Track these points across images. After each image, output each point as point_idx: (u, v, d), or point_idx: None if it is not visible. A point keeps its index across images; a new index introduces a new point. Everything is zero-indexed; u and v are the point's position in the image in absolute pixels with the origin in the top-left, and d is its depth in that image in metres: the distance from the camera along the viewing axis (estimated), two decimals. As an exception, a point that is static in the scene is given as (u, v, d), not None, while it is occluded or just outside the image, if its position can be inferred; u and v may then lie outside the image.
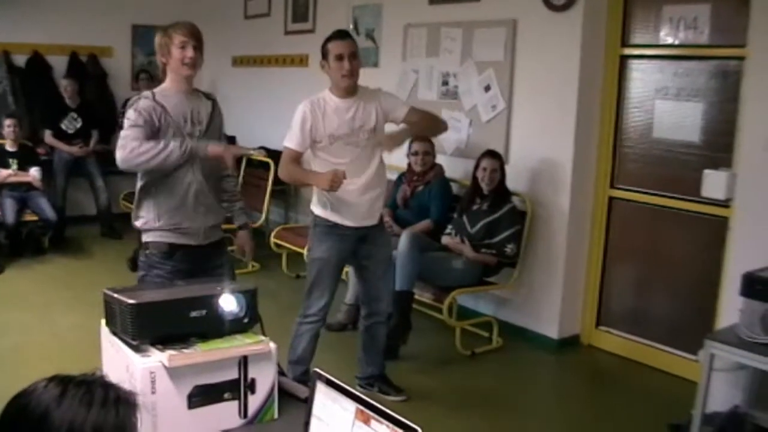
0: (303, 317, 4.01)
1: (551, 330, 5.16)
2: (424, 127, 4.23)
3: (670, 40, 4.71)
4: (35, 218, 6.94)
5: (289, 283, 6.31)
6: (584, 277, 5.21)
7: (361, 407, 1.63)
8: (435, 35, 5.80)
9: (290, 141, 3.88)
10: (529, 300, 5.28)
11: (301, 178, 4.04)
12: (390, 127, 4.05)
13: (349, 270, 5.33)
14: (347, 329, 5.16)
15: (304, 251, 5.90)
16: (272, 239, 6.36)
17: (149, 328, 1.95)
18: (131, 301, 1.93)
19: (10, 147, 7.02)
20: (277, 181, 6.86)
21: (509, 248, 4.93)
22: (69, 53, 8.11)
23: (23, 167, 6.96)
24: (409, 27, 6.00)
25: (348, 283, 5.35)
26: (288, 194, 7.59)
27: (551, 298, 5.15)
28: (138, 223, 3.43)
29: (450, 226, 5.20)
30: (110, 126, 8.15)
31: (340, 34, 3.91)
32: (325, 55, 3.86)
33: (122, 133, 3.28)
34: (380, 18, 6.27)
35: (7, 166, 6.90)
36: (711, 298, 4.49)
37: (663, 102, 4.77)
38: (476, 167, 5.07)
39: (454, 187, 5.55)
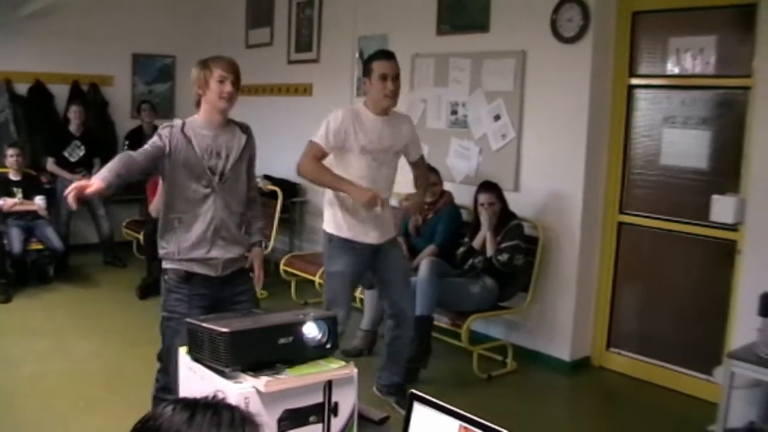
0: None
1: (563, 353, 5.26)
2: (418, 185, 4.44)
3: (677, 70, 4.86)
4: (41, 247, 6.94)
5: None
6: (595, 301, 5.33)
7: (465, 425, 1.66)
8: (443, 65, 5.90)
9: (320, 138, 3.91)
10: (541, 323, 5.37)
11: (332, 183, 3.94)
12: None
13: (364, 296, 5.45)
14: (363, 354, 5.24)
15: (315, 278, 5.98)
16: (282, 266, 6.42)
17: (242, 355, 2.02)
18: (225, 330, 2.00)
19: (13, 176, 7.04)
20: (283, 209, 6.94)
21: (502, 257, 4.96)
22: (70, 82, 8.15)
23: (28, 196, 6.99)
24: (416, 57, 6.09)
25: (364, 309, 5.43)
26: (293, 222, 7.61)
27: (563, 321, 5.25)
28: (160, 252, 3.51)
29: (462, 248, 5.29)
30: (112, 155, 8.17)
31: (386, 54, 4.02)
32: (368, 72, 3.96)
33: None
34: (386, 48, 6.30)
35: (12, 195, 6.92)
36: (719, 318, 4.62)
37: (670, 130, 4.91)
38: (475, 200, 5.18)
39: (464, 214, 5.63)
